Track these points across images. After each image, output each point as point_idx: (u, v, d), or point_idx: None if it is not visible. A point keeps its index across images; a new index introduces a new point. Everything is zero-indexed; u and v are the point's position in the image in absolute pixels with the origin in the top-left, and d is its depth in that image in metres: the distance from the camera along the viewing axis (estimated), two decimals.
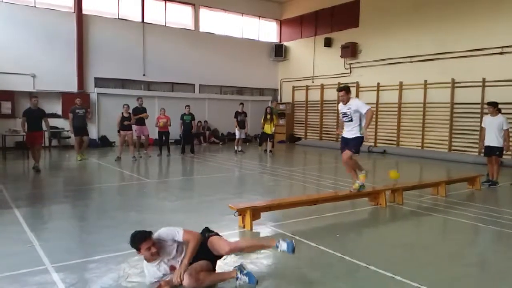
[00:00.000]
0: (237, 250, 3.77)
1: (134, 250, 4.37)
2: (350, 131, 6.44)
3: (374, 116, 16.37)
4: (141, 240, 3.40)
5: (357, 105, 6.32)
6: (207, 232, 3.82)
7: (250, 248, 3.95)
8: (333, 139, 18.24)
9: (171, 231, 3.55)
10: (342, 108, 6.52)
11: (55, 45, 15.39)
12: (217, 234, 3.84)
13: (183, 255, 3.53)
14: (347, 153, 6.40)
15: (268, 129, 14.56)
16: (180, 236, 3.51)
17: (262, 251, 4.51)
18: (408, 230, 5.68)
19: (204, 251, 3.60)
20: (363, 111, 6.24)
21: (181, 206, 6.73)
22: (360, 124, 6.29)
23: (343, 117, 6.50)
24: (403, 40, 15.36)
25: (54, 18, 15.39)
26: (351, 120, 6.33)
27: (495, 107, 8.72)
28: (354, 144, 6.37)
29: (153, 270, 3.53)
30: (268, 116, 14.54)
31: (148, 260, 3.50)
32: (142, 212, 6.28)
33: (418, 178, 10.34)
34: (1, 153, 12.63)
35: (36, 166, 9.82)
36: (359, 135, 6.29)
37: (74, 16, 15.74)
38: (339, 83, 17.97)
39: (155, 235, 3.51)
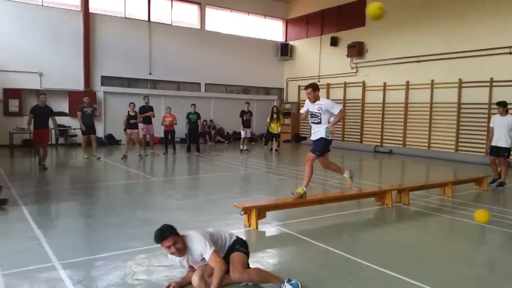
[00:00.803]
0: (246, 281, 3.50)
1: (140, 248, 4.43)
2: (315, 133, 5.96)
3: (381, 116, 16.36)
4: (159, 239, 3.34)
5: (328, 105, 5.84)
6: (237, 245, 3.65)
7: (259, 282, 3.57)
8: (339, 139, 18.20)
9: (201, 246, 3.37)
10: (310, 107, 5.95)
11: (62, 44, 15.48)
12: (244, 251, 3.63)
13: (206, 265, 3.46)
14: (309, 155, 5.87)
15: (275, 128, 14.57)
16: (207, 256, 3.35)
17: (268, 250, 4.51)
18: (414, 231, 5.65)
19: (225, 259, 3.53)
20: (336, 111, 5.79)
21: (187, 204, 6.75)
22: (326, 127, 5.81)
23: (312, 117, 5.95)
24: (410, 40, 15.28)
25: (61, 17, 15.48)
26: (319, 122, 5.83)
27: (504, 107, 8.65)
28: (317, 146, 5.88)
29: (176, 261, 3.52)
30: (275, 116, 14.54)
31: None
32: (148, 210, 6.30)
33: (425, 178, 10.29)
34: (9, 151, 12.73)
35: (42, 164, 9.88)
36: (323, 136, 5.80)
37: (81, 15, 15.82)
38: (345, 83, 17.94)
39: (186, 236, 3.44)
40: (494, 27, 12.87)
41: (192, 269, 3.52)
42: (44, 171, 9.67)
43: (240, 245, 3.64)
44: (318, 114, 5.84)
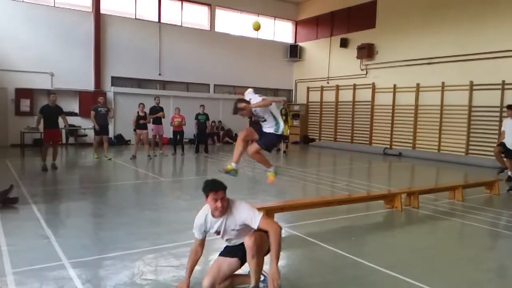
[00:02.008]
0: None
1: (148, 248, 4.44)
2: (266, 127, 5.52)
3: (390, 118, 16.24)
4: (212, 187, 3.21)
5: (255, 99, 5.42)
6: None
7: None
8: (348, 141, 18.12)
9: (249, 213, 3.25)
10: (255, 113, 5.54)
11: (73, 44, 15.63)
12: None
13: (241, 239, 3.31)
14: (255, 146, 5.50)
15: (285, 130, 14.53)
16: (257, 221, 3.19)
17: None
18: (424, 234, 5.59)
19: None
20: (259, 100, 5.36)
21: (195, 205, 6.69)
22: (277, 122, 5.45)
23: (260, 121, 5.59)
24: (420, 41, 15.17)
25: (73, 18, 15.63)
26: (265, 120, 5.48)
27: None
28: (266, 140, 5.48)
29: (202, 221, 3.35)
30: (284, 118, 14.50)
31: (212, 211, 3.30)
32: (157, 210, 6.33)
33: (435, 181, 10.19)
34: (20, 150, 12.88)
35: (53, 163, 9.96)
36: (272, 131, 5.43)
37: (92, 16, 15.96)
38: (354, 84, 17.86)
39: (231, 201, 3.34)
40: (506, 29, 12.71)
41: (217, 233, 3.38)
42: (54, 170, 9.76)
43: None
44: (259, 115, 5.46)
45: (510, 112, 8.60)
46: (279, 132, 5.46)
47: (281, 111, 14.74)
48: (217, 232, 3.37)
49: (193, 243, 3.48)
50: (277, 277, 3.07)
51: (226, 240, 3.45)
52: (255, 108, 5.26)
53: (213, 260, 3.57)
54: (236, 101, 5.42)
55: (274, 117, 5.43)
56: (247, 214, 3.25)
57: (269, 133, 5.44)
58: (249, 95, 5.46)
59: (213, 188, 3.21)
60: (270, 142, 5.48)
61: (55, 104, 10.12)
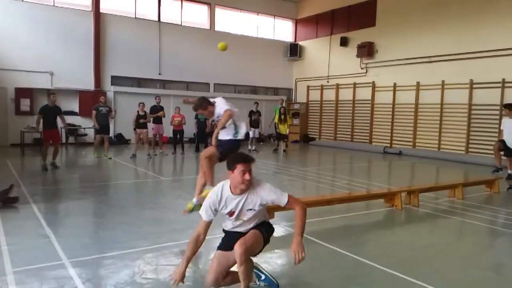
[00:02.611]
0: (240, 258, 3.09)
1: (149, 247, 4.44)
2: (224, 134, 5.39)
3: (390, 116, 16.23)
4: (242, 159, 3.06)
5: (220, 108, 5.29)
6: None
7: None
8: (348, 140, 18.11)
9: (275, 194, 3.14)
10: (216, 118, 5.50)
11: (73, 44, 15.62)
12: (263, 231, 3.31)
13: (253, 224, 3.22)
14: (209, 149, 5.36)
15: (283, 129, 14.56)
16: (285, 200, 3.14)
17: (276, 250, 4.50)
18: (424, 233, 5.59)
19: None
20: (224, 109, 5.23)
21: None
22: (237, 131, 5.30)
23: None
24: (420, 40, 15.15)
25: (72, 17, 15.62)
26: (225, 128, 5.32)
27: (511, 109, 8.54)
28: (224, 144, 5.32)
29: (217, 197, 3.11)
30: (283, 117, 14.52)
31: (234, 186, 3.09)
32: (157, 209, 6.33)
33: (435, 180, 10.19)
34: (20, 150, 12.88)
35: (53, 162, 9.97)
36: (231, 137, 5.29)
37: (92, 15, 15.95)
38: (354, 83, 17.85)
39: (256, 179, 3.19)
40: (506, 27, 12.70)
41: (231, 214, 3.17)
42: (55, 169, 9.77)
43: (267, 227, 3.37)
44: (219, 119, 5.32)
45: (507, 111, 8.60)
46: (238, 137, 5.33)
47: (279, 110, 14.86)
48: (231, 213, 3.13)
49: (193, 233, 3.15)
50: (301, 249, 3.05)
51: (236, 222, 3.23)
52: (219, 121, 5.25)
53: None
54: (201, 100, 5.37)
55: (235, 126, 5.33)
56: (274, 193, 3.16)
57: (226, 139, 5.30)
58: (218, 100, 5.42)
59: (244, 159, 3.05)
60: (226, 146, 5.24)
61: (54, 104, 10.11)
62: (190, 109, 15.82)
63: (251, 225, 3.24)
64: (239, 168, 3.01)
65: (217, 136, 5.31)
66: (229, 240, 3.24)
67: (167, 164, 11.69)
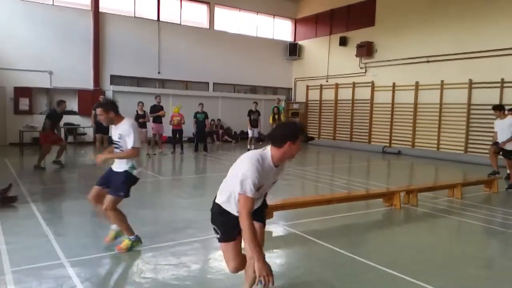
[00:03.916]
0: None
1: (147, 247, 4.44)
2: (117, 163, 4.40)
3: (389, 116, 16.23)
4: (302, 131, 2.90)
5: (127, 132, 4.26)
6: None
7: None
8: (347, 139, 18.12)
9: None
10: (113, 132, 4.46)
11: (72, 43, 15.60)
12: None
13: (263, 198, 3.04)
14: (108, 199, 4.26)
15: None
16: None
17: (275, 250, 4.51)
18: (423, 232, 5.60)
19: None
20: (129, 144, 4.23)
21: (194, 203, 6.76)
22: (134, 161, 4.34)
23: (115, 147, 4.44)
24: (419, 40, 15.16)
25: (72, 16, 15.60)
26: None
27: (501, 111, 8.57)
28: (120, 185, 4.27)
29: (262, 170, 2.80)
30: (276, 116, 14.53)
31: (282, 158, 2.86)
32: (155, 208, 6.33)
33: (434, 179, 10.20)
34: (19, 149, 12.86)
35: (57, 161, 10.12)
36: (127, 169, 4.29)
37: (91, 14, 15.93)
38: (354, 83, 17.85)
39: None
40: (505, 27, 12.71)
41: (258, 188, 2.81)
42: (59, 168, 9.90)
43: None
44: (120, 143, 4.32)
45: (498, 113, 8.63)
46: (135, 173, 4.33)
47: (272, 109, 14.78)
48: (259, 187, 2.85)
49: (247, 216, 2.70)
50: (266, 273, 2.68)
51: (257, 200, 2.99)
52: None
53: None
54: (110, 103, 4.42)
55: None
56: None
57: (119, 172, 4.30)
58: (129, 123, 4.36)
59: (303, 132, 2.90)
60: (120, 183, 4.26)
61: (62, 110, 10.40)
62: (189, 109, 15.89)
63: (262, 200, 3.12)
64: (300, 139, 2.86)
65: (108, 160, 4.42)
66: (228, 227, 2.98)
67: (166, 164, 11.68)
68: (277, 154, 2.85)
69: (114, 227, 4.48)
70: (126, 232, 4.36)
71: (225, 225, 2.98)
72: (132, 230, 4.38)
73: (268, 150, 2.88)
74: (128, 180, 4.29)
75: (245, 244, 2.78)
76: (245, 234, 2.72)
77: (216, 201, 3.02)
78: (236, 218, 2.84)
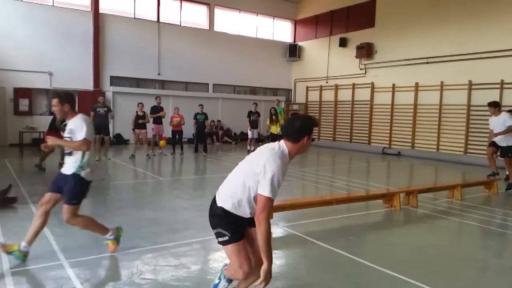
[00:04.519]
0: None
1: (147, 248, 4.44)
2: (67, 165, 4.06)
3: (389, 117, 16.24)
4: (316, 124, 2.90)
5: (79, 126, 3.95)
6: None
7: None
8: (347, 140, 18.12)
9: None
10: (67, 129, 4.09)
11: (72, 44, 15.60)
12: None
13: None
14: (64, 210, 4.02)
15: (275, 129, 14.58)
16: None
17: (275, 251, 4.50)
18: (423, 233, 5.60)
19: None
20: (80, 136, 3.91)
21: (194, 204, 6.76)
22: (82, 159, 3.98)
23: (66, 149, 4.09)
24: (419, 41, 15.17)
25: (72, 17, 15.61)
26: (70, 153, 4.02)
27: (496, 107, 8.55)
28: (72, 191, 3.99)
29: (286, 166, 2.75)
30: (274, 117, 14.53)
31: (297, 152, 2.86)
32: (155, 209, 6.32)
33: (433, 180, 10.20)
34: (19, 150, 12.86)
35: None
36: (74, 171, 3.97)
37: (91, 15, 15.94)
38: (353, 84, 17.86)
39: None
40: (505, 29, 12.72)
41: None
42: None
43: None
44: (69, 139, 4.01)
45: (492, 110, 8.61)
46: (83, 174, 3.98)
47: (270, 111, 14.76)
48: None
49: (266, 218, 2.62)
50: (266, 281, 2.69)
51: None
52: (63, 144, 4.09)
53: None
54: (68, 94, 4.12)
55: (83, 156, 4.00)
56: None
57: (68, 176, 4.00)
58: (81, 118, 4.05)
59: (317, 125, 2.89)
60: (71, 190, 3.98)
61: None
62: (189, 110, 15.90)
63: None
64: (311, 133, 2.84)
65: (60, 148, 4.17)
66: (236, 226, 2.85)
67: (166, 165, 11.68)
68: (293, 149, 2.81)
69: (109, 235, 4.27)
70: (101, 233, 4.24)
71: (232, 224, 2.83)
72: (106, 227, 4.25)
73: (283, 145, 2.81)
74: (78, 184, 3.98)
75: (261, 247, 2.67)
76: (263, 237, 2.63)
77: (220, 204, 2.85)
78: (241, 217, 2.81)
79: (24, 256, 3.95)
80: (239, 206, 2.79)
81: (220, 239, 2.84)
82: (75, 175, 3.96)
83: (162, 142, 11.86)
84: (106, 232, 4.23)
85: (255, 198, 2.73)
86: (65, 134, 4.07)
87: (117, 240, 4.28)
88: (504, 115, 8.43)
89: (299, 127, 2.78)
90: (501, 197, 7.96)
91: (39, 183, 8.31)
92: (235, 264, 2.83)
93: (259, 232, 2.65)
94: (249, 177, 2.73)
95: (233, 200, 2.79)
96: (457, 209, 6.79)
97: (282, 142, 2.83)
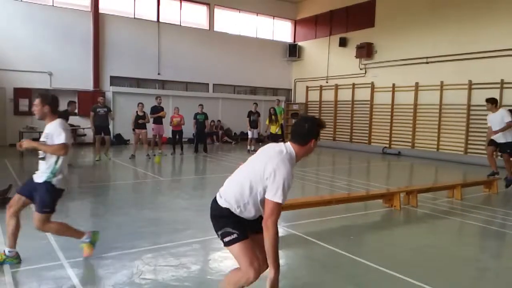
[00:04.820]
0: None
1: (147, 248, 4.43)
2: (39, 172, 3.94)
3: (389, 117, 16.23)
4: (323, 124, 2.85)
5: (57, 131, 3.85)
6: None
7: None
8: (347, 140, 18.13)
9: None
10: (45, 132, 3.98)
11: (72, 44, 15.61)
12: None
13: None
14: (35, 217, 3.88)
15: (273, 129, 14.58)
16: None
17: None
18: (423, 233, 5.60)
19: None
20: (58, 141, 3.81)
21: (194, 204, 6.76)
22: (55, 164, 3.88)
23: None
24: (419, 41, 15.17)
25: (71, 17, 15.61)
26: (44, 158, 3.93)
27: (492, 104, 8.54)
28: (43, 200, 3.86)
29: (292, 179, 2.69)
30: (273, 117, 14.53)
31: (303, 155, 2.82)
32: (155, 209, 6.32)
33: (433, 180, 10.20)
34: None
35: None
36: (45, 178, 3.86)
37: (91, 16, 15.94)
38: (353, 84, 17.86)
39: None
40: (505, 28, 12.72)
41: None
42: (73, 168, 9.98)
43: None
44: (45, 142, 3.89)
45: (489, 106, 8.59)
46: (55, 182, 3.86)
47: (269, 111, 14.77)
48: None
49: (275, 223, 2.63)
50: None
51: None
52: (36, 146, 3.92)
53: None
54: (51, 95, 4.04)
55: (56, 162, 3.88)
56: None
57: (40, 184, 3.86)
58: (58, 122, 3.95)
59: (324, 127, 2.83)
60: (42, 197, 3.85)
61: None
62: (189, 110, 15.90)
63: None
64: (319, 134, 2.80)
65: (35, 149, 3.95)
66: (243, 225, 2.81)
67: (166, 165, 11.67)
68: (300, 152, 2.77)
69: (85, 238, 4.13)
70: (76, 236, 4.12)
71: (239, 224, 2.77)
72: (80, 230, 4.15)
73: (290, 148, 2.76)
74: (49, 193, 3.85)
75: (267, 254, 2.64)
76: (270, 243, 2.59)
77: (225, 206, 2.76)
78: (246, 219, 2.78)
79: (15, 259, 3.92)
80: (244, 209, 2.75)
81: (228, 239, 2.74)
82: (46, 183, 3.85)
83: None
84: (81, 235, 4.13)
85: (261, 201, 2.69)
86: (41, 138, 3.94)
87: (92, 244, 4.14)
88: (502, 111, 8.42)
89: (307, 130, 2.74)
90: (501, 197, 7.96)
91: None
92: (245, 263, 2.71)
93: (266, 237, 2.59)
94: (256, 181, 2.67)
95: (238, 203, 2.74)
96: (457, 209, 6.79)
97: (288, 144, 2.78)
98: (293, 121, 19.48)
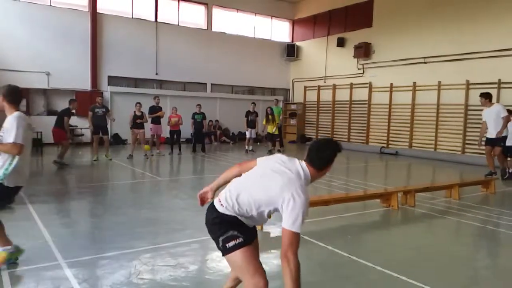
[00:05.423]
0: None
1: (145, 247, 4.43)
2: None
3: (387, 117, 16.26)
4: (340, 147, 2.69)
5: (10, 125, 3.68)
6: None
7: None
8: (345, 140, 18.15)
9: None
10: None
11: (70, 44, 15.57)
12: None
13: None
14: None
15: (270, 129, 14.60)
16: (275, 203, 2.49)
17: (273, 250, 4.51)
18: (420, 233, 5.61)
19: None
20: (10, 139, 3.59)
21: (193, 204, 6.74)
22: (11, 163, 3.64)
23: None
24: (417, 41, 15.20)
25: (69, 17, 15.58)
26: None
27: (486, 98, 8.55)
28: None
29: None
30: (270, 117, 14.55)
31: (315, 178, 2.70)
32: (153, 209, 6.32)
33: (431, 180, 10.23)
34: None
35: (59, 161, 10.38)
36: None
37: (89, 15, 15.91)
38: (351, 84, 17.88)
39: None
40: (503, 28, 12.76)
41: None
42: (65, 167, 10.19)
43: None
44: (1, 139, 3.68)
45: (483, 101, 8.59)
46: (7, 183, 3.63)
47: (266, 110, 14.79)
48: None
49: (295, 254, 2.53)
50: None
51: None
52: None
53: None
54: (4, 88, 4.03)
55: (12, 159, 3.65)
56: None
57: None
58: (17, 116, 3.83)
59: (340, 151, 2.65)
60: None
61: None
62: (187, 110, 15.89)
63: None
64: (333, 162, 2.65)
65: None
66: (248, 229, 2.68)
67: (164, 165, 11.67)
68: (316, 176, 2.63)
69: (7, 247, 3.83)
70: (1, 243, 3.80)
71: (243, 228, 2.60)
72: (9, 240, 3.85)
73: (307, 170, 2.59)
74: None
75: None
76: (292, 278, 2.40)
77: (228, 213, 2.58)
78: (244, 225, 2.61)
79: (18, 251, 3.86)
80: (246, 219, 2.60)
81: (232, 243, 2.50)
82: None
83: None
84: (6, 244, 3.81)
85: (268, 214, 2.55)
86: (1, 133, 3.69)
87: (9, 258, 3.78)
88: (497, 106, 8.45)
89: (328, 157, 2.60)
90: (499, 197, 7.98)
91: (37, 184, 8.29)
92: (251, 271, 2.50)
93: (287, 271, 2.37)
94: (267, 203, 2.47)
95: (242, 215, 2.56)
96: (454, 209, 6.81)
97: (305, 166, 2.61)
98: (291, 121, 19.67)
